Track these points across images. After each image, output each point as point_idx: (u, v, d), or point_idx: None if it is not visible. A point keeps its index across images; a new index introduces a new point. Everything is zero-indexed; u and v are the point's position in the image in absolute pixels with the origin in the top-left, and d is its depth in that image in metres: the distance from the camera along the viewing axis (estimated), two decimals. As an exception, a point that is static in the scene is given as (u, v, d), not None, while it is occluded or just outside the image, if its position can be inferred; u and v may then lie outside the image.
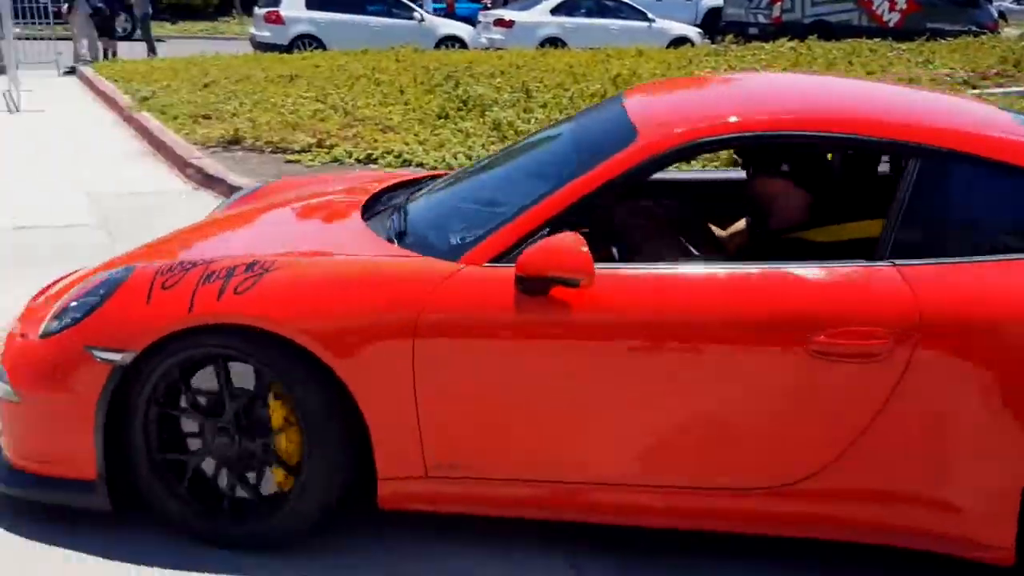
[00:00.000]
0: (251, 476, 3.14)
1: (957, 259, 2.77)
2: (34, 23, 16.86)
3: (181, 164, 9.22)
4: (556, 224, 2.92)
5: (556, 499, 3.00)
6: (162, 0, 24.85)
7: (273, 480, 3.11)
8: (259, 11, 19.92)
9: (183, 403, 3.12)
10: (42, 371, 3.11)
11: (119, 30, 19.06)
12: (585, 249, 2.78)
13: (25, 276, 5.11)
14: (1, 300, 4.77)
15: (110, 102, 12.99)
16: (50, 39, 16.81)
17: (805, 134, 3.05)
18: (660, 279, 2.88)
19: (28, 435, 3.20)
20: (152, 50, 17.89)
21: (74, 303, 3.16)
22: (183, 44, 22.18)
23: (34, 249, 6.52)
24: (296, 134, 9.65)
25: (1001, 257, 2.76)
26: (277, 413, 3.03)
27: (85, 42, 17.20)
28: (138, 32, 19.25)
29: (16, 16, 15.36)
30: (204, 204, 8.27)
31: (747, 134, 3.00)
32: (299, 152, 9.18)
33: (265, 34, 19.27)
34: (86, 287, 3.21)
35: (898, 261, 2.79)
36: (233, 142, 9.64)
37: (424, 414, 2.93)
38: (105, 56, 17.46)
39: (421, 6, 22.14)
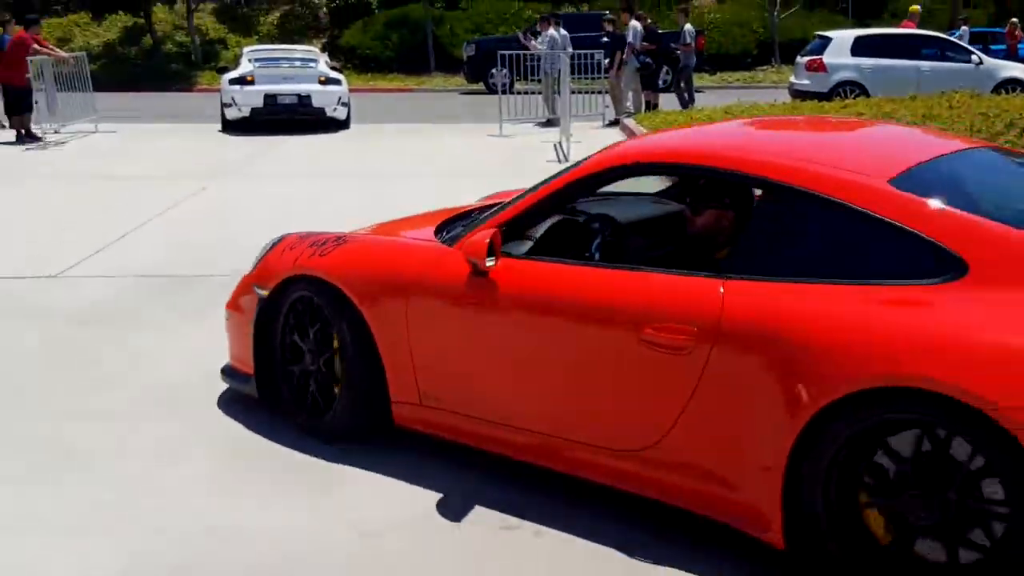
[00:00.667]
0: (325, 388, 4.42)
1: (768, 278, 3.24)
2: (584, 78, 18.11)
3: (715, 213, 9.26)
4: (511, 225, 3.90)
5: (493, 436, 3.89)
6: (702, 52, 25.67)
7: (335, 390, 4.34)
8: (801, 59, 19.78)
9: (290, 329, 4.48)
10: (235, 299, 4.79)
11: (660, 82, 19.91)
12: (486, 243, 3.70)
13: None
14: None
15: (649, 151, 13.54)
16: (598, 92, 17.98)
17: (684, 165, 3.77)
18: (545, 269, 3.73)
19: (231, 342, 4.87)
20: (691, 101, 18.42)
21: (258, 255, 4.81)
22: (721, 94, 22.69)
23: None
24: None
25: (803, 280, 3.18)
26: (336, 343, 4.25)
27: (630, 95, 18.14)
28: (677, 82, 19.94)
29: (572, 72, 16.65)
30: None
31: (651, 163, 3.82)
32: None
33: (805, 82, 19.06)
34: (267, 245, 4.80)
35: (729, 275, 3.32)
36: (768, 192, 9.50)
37: (415, 355, 4.00)
38: (647, 108, 18.28)
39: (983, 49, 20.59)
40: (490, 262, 3.74)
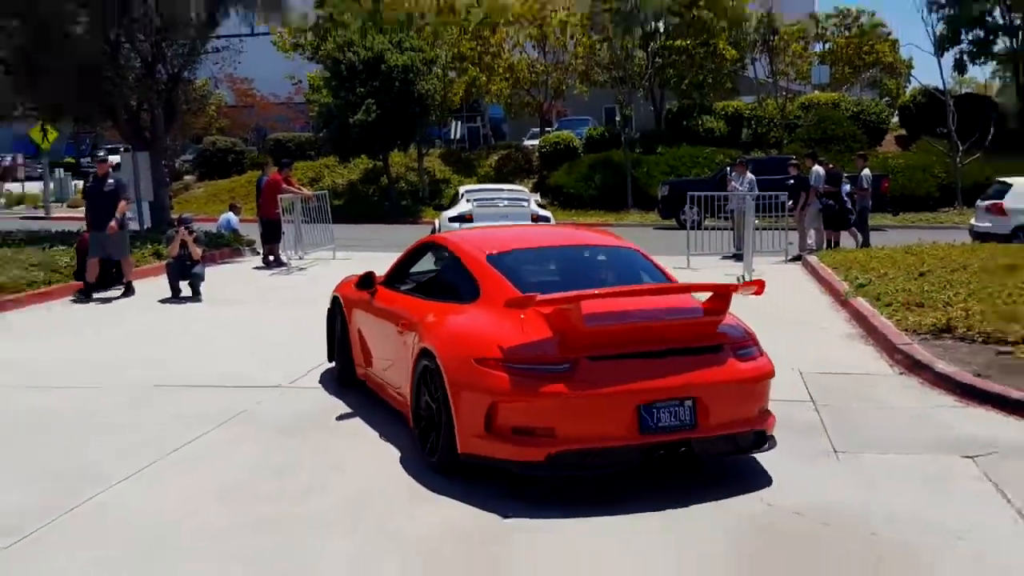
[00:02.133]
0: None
1: (429, 298, 6.77)
2: (769, 216, 17.83)
3: (890, 349, 8.82)
4: (394, 271, 7.61)
5: (375, 382, 7.37)
6: (886, 194, 24.81)
7: None
8: (981, 203, 18.84)
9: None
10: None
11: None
12: (359, 278, 7.52)
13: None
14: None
15: (827, 287, 13.07)
16: (782, 230, 17.63)
17: (428, 244, 7.64)
18: (388, 294, 7.25)
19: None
20: (866, 241, 17.79)
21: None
22: (901, 234, 21.79)
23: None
24: (1011, 325, 8.64)
25: (431, 298, 6.68)
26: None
27: (812, 233, 17.70)
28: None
29: (757, 211, 16.44)
30: (906, 386, 7.79)
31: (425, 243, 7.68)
32: (1012, 344, 8.18)
33: (986, 224, 18.09)
34: None
35: (423, 296, 6.88)
36: (944, 331, 8.98)
37: (357, 339, 7.65)
38: (829, 245, 17.76)
39: None
40: (369, 290, 7.50)
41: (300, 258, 17.36)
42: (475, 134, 43.56)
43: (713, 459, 5.83)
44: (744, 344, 5.86)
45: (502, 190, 19.75)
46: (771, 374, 5.90)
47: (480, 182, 33.82)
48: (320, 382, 8.09)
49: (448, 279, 6.78)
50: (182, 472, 5.84)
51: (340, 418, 6.99)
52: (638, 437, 5.40)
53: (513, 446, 5.40)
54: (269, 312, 11.95)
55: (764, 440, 5.81)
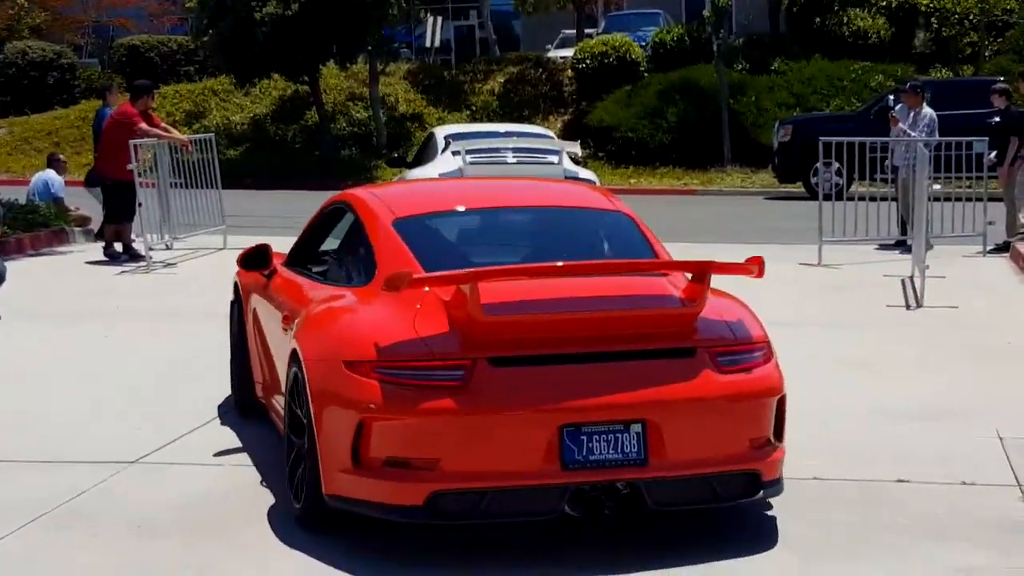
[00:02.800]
0: None
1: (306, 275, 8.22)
2: (957, 178, 17.79)
3: None
4: (299, 244, 8.72)
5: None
6: None
7: None
8: None
9: None
10: None
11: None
12: (247, 254, 8.45)
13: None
14: None
15: (1054, 296, 13.10)
16: (978, 200, 17.58)
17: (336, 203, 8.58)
18: (284, 277, 8.29)
19: None
20: None
21: None
22: None
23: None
24: None
25: (331, 283, 7.84)
26: None
27: (1030, 205, 17.63)
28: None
29: (938, 169, 16.41)
30: None
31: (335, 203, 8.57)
32: None
33: None
34: None
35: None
36: None
37: (253, 341, 8.90)
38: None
39: None
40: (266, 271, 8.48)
41: (168, 247, 17.43)
42: (467, 40, 43.65)
43: (676, 509, 6.35)
44: (735, 348, 6.36)
45: (511, 135, 19.63)
46: (774, 391, 6.43)
47: (475, 119, 33.83)
48: (208, 447, 8.19)
49: (348, 253, 7.84)
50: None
51: (244, 506, 7.07)
52: (560, 474, 5.92)
53: (386, 483, 6.02)
54: (115, 336, 12.04)
55: (759, 486, 6.30)
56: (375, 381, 6.00)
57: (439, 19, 41.46)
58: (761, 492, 6.32)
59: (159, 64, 39.47)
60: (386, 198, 7.82)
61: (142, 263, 16.53)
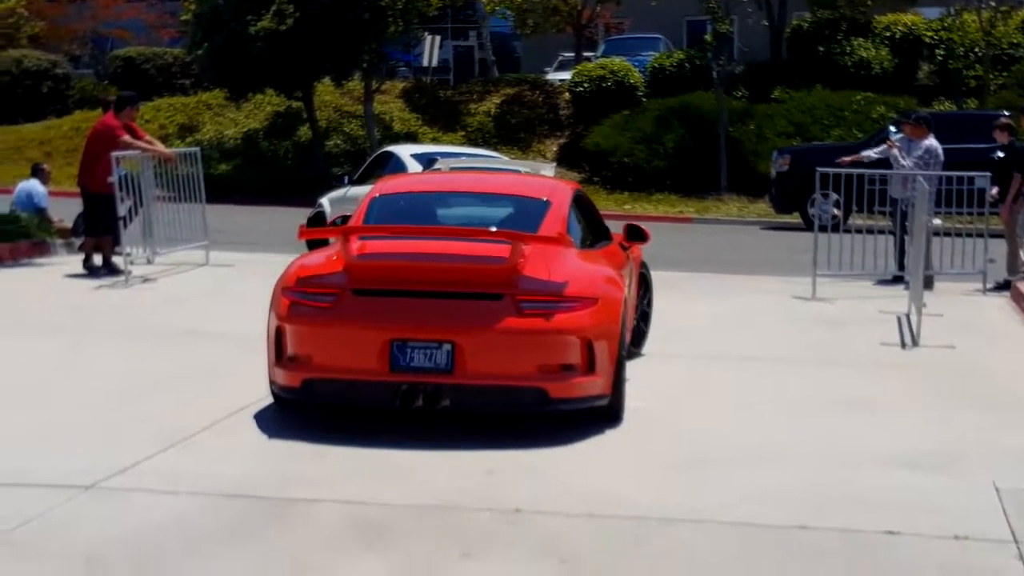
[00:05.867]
0: None
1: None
2: (957, 213, 17.63)
3: None
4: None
5: None
6: None
7: None
8: None
9: None
10: None
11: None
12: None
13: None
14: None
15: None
16: (979, 236, 17.41)
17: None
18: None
19: None
20: None
21: None
22: None
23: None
24: None
25: None
26: None
27: (1029, 244, 17.48)
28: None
29: (939, 203, 16.22)
30: None
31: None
32: None
33: None
34: None
35: None
36: None
37: None
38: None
39: None
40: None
41: (148, 261, 17.24)
42: (466, 60, 43.63)
43: (478, 410, 8.98)
44: (538, 299, 8.76)
45: (475, 156, 19.78)
46: (569, 332, 8.71)
47: (469, 138, 33.88)
48: (173, 472, 7.90)
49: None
50: None
51: (200, 541, 6.79)
52: (389, 375, 8.67)
53: (282, 371, 8.97)
54: (83, 351, 11.87)
55: (547, 402, 8.73)
56: (287, 300, 8.99)
57: (437, 38, 41.37)
58: (549, 406, 8.77)
59: (155, 76, 39.60)
60: (384, 182, 11.87)
61: (120, 277, 16.32)
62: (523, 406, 8.84)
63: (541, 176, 13.07)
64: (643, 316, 12.31)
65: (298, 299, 8.85)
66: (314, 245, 13.58)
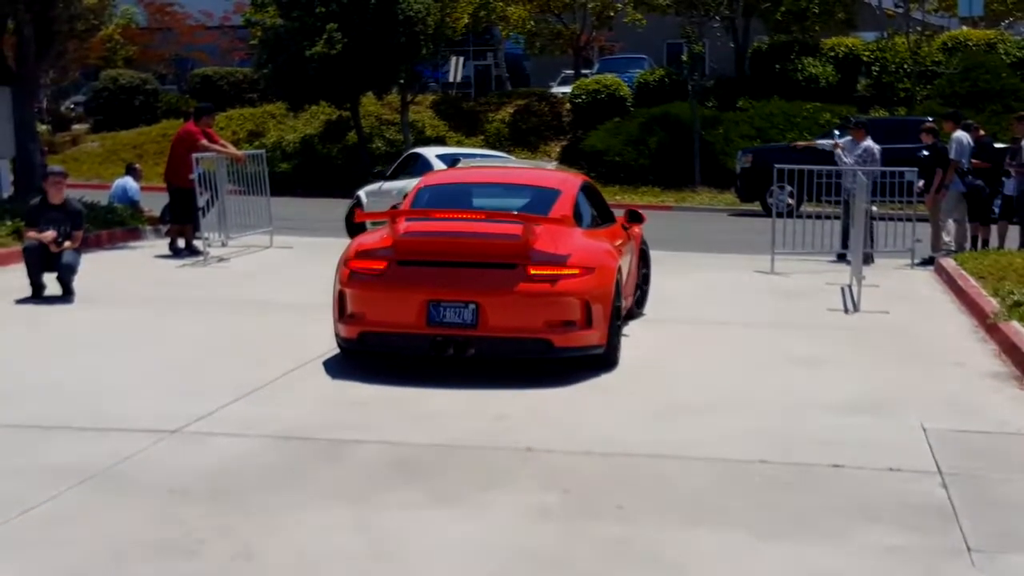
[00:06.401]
0: None
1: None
2: (892, 201, 17.52)
3: (1055, 397, 8.57)
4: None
5: None
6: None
7: None
8: None
9: None
10: None
11: (994, 213, 18.97)
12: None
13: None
14: None
15: (969, 304, 12.78)
16: (907, 220, 17.31)
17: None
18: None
19: None
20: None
21: None
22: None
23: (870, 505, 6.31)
24: None
25: None
26: None
27: (951, 226, 17.38)
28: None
29: (875, 193, 16.13)
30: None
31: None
32: None
33: None
34: None
35: None
36: None
37: None
38: (974, 245, 17.44)
39: None
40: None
41: (223, 244, 17.21)
42: (484, 76, 43.44)
43: (498, 357, 9.22)
44: (544, 268, 9.11)
45: (488, 157, 19.64)
46: (570, 295, 9.08)
47: (488, 142, 33.81)
48: (245, 419, 7.87)
49: None
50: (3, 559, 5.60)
51: (266, 475, 6.76)
52: (426, 328, 9.02)
53: (344, 326, 9.38)
54: (170, 320, 11.79)
55: (552, 350, 9.11)
56: (347, 270, 9.41)
57: (461, 59, 41.05)
58: (553, 354, 9.15)
59: (227, 91, 39.46)
60: (430, 175, 12.51)
61: (200, 258, 16.30)
62: (532, 353, 9.19)
63: (556, 170, 12.93)
64: (644, 279, 12.42)
65: (356, 268, 9.28)
66: (355, 230, 14.89)
